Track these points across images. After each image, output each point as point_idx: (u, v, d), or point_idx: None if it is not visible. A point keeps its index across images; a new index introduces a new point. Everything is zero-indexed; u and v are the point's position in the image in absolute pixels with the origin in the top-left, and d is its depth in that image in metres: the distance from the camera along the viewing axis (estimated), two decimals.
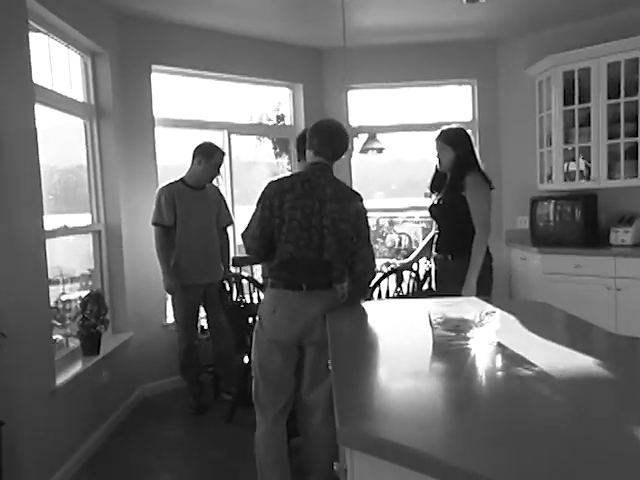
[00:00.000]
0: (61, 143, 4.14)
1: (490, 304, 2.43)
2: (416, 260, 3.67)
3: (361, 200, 2.70)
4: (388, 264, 5.77)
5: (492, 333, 1.86)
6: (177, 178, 4.08)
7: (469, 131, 3.48)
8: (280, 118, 6.09)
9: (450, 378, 1.64)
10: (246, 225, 2.65)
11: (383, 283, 3.57)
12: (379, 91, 5.79)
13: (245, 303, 3.78)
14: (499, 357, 1.75)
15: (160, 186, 4.07)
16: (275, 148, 7.17)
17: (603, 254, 4.45)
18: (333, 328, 2.22)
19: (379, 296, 3.54)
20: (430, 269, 3.90)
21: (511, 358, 1.71)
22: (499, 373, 1.62)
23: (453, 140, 3.26)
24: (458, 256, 3.18)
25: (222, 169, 4.13)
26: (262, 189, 2.62)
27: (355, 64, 4.86)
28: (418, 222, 10.91)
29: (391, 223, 7.76)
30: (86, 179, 4.05)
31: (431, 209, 3.42)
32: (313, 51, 5.48)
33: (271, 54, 5.19)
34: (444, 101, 5.81)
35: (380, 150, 4.06)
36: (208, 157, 3.97)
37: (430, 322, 1.95)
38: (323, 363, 2.69)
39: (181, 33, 4.58)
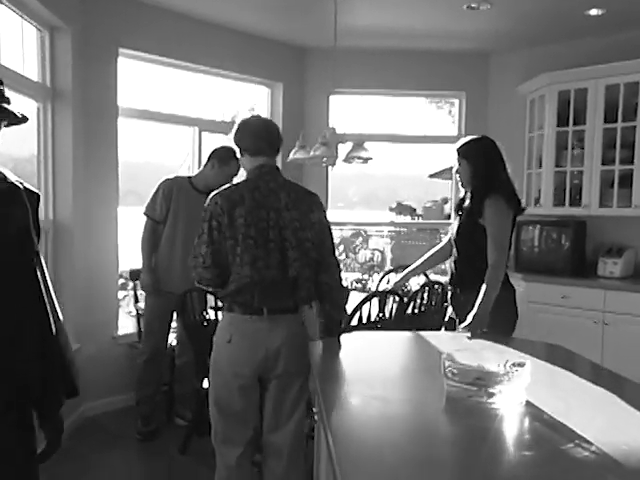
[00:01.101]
0: (15, 127, 3.64)
1: (506, 346, 2.11)
2: (407, 280, 3.32)
3: (321, 203, 2.36)
4: (359, 281, 5.43)
5: (521, 390, 1.52)
6: (185, 174, 3.77)
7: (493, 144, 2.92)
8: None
9: (470, 453, 1.30)
10: (193, 252, 2.25)
11: (366, 305, 3.22)
12: (360, 97, 5.48)
13: (209, 320, 3.37)
14: (537, 426, 1.41)
15: (164, 177, 3.70)
16: None
17: (592, 285, 4.21)
18: (322, 371, 1.85)
19: (359, 321, 3.19)
20: (417, 291, 3.58)
21: (553, 427, 1.38)
22: (542, 452, 1.28)
23: (468, 152, 2.87)
24: (468, 291, 2.81)
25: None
26: (206, 205, 2.24)
27: (339, 67, 4.52)
28: (383, 236, 10.71)
29: (365, 239, 7.46)
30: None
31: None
32: (296, 49, 5.11)
33: (250, 48, 4.81)
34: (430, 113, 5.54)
35: (366, 160, 3.72)
36: (222, 163, 3.59)
37: (444, 372, 1.60)
38: (289, 400, 2.33)
39: (153, 15, 4.15)
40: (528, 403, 1.51)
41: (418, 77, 5.21)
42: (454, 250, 2.99)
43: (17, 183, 1.50)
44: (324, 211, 2.37)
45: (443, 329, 3.09)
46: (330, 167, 3.72)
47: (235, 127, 2.38)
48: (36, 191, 1.60)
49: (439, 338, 2.27)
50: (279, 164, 5.05)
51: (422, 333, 2.46)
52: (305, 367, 2.37)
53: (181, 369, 3.81)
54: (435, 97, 5.96)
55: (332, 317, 2.42)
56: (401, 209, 7.21)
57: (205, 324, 3.36)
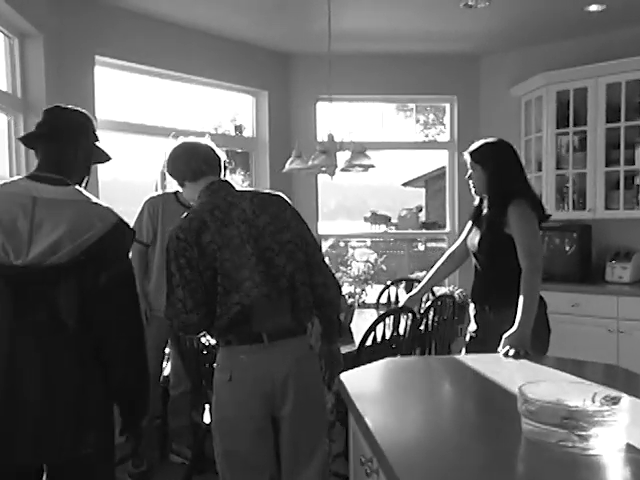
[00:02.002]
0: None
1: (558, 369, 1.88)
2: (423, 295, 3.08)
3: (287, 201, 2.11)
4: (352, 295, 5.16)
5: (620, 431, 1.29)
6: (170, 190, 3.41)
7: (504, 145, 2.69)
8: (238, 129, 5.44)
9: None
10: (167, 301, 1.97)
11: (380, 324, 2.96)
12: (345, 104, 5.26)
13: (208, 347, 3.07)
14: None
15: (148, 196, 3.39)
16: (230, 162, 6.50)
17: (603, 292, 4.04)
18: (357, 410, 1.59)
19: (374, 340, 2.93)
20: (429, 307, 3.34)
21: None
22: None
23: (483, 157, 2.62)
24: (497, 307, 2.56)
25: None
26: (166, 246, 1.96)
27: (323, 73, 4.25)
28: (369, 247, 10.50)
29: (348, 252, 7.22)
30: None
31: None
32: (281, 55, 4.87)
33: (234, 55, 4.55)
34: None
35: (367, 168, 3.48)
36: None
37: (522, 410, 1.36)
38: (307, 438, 2.06)
39: (131, 21, 3.87)
40: (629, 447, 1.27)
41: (407, 82, 5.02)
42: (475, 263, 2.76)
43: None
44: (294, 208, 2.11)
45: (464, 350, 2.85)
46: (330, 177, 3.47)
47: (168, 160, 2.13)
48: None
49: (482, 363, 2.03)
50: (267, 178, 4.88)
51: (460, 358, 2.21)
52: (320, 397, 2.11)
53: (176, 401, 3.50)
54: (425, 102, 5.78)
55: (333, 322, 2.19)
56: (376, 219, 7.00)
57: (204, 351, 3.06)
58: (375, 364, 2.10)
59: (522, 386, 1.40)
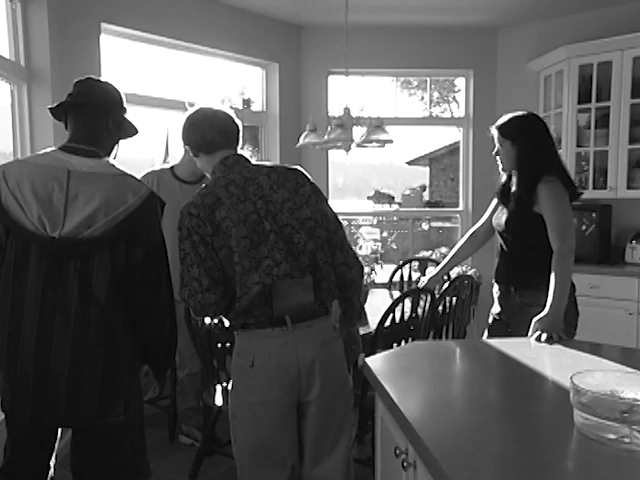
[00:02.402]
0: None
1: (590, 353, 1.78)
2: (443, 276, 2.97)
3: (306, 174, 1.99)
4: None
5: None
6: (165, 166, 3.19)
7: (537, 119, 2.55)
8: (246, 102, 5.29)
9: None
10: (181, 282, 1.83)
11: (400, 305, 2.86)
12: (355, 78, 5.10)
13: (220, 327, 2.97)
14: None
15: (146, 170, 3.15)
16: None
17: (623, 274, 3.93)
18: (398, 398, 1.48)
19: (392, 321, 2.83)
20: (447, 288, 3.23)
21: None
22: None
23: (512, 132, 2.48)
24: (524, 289, 2.45)
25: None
26: (179, 222, 1.83)
27: (338, 45, 4.09)
28: (372, 225, 10.37)
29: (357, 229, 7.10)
30: None
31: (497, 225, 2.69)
32: (293, 26, 4.70)
33: (243, 25, 4.39)
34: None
35: (384, 143, 3.35)
36: None
37: (575, 402, 1.25)
38: (333, 425, 1.96)
39: None
40: None
41: (421, 55, 4.86)
42: (501, 243, 2.65)
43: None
44: (313, 183, 1.98)
45: (486, 332, 2.75)
46: (345, 152, 3.34)
47: (184, 126, 2.00)
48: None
49: (514, 347, 1.93)
50: (277, 153, 4.74)
51: (489, 342, 2.11)
52: (346, 380, 2.01)
53: (183, 383, 3.41)
54: (441, 76, 5.62)
55: (354, 304, 2.06)
56: (379, 197, 6.92)
57: (216, 332, 2.96)
58: (401, 348, 2.00)
59: (574, 376, 1.29)
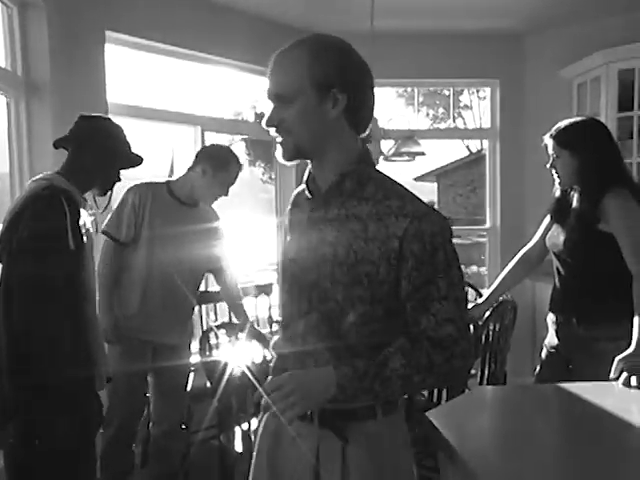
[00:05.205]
0: None
1: None
2: (489, 307, 2.66)
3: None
4: None
5: None
6: (161, 180, 2.82)
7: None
8: (259, 117, 5.02)
9: None
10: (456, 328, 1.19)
11: None
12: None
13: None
14: None
15: (132, 184, 2.72)
16: (249, 154, 6.04)
17: None
18: None
19: None
20: (489, 316, 2.91)
21: None
22: None
23: (571, 140, 2.21)
24: (589, 320, 2.16)
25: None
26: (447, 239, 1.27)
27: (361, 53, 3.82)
28: None
29: None
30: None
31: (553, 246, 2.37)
32: (307, 34, 4.43)
33: (260, 34, 4.11)
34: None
35: (414, 156, 3.06)
36: (218, 169, 2.69)
37: None
38: None
39: None
40: None
41: (444, 64, 4.58)
42: (558, 266, 2.34)
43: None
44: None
45: (539, 367, 2.43)
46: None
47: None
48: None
49: (598, 394, 1.61)
50: (292, 170, 4.45)
51: (565, 387, 1.77)
52: None
53: (158, 441, 2.86)
54: (465, 86, 5.35)
55: None
56: None
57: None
58: (462, 397, 1.68)
59: None
